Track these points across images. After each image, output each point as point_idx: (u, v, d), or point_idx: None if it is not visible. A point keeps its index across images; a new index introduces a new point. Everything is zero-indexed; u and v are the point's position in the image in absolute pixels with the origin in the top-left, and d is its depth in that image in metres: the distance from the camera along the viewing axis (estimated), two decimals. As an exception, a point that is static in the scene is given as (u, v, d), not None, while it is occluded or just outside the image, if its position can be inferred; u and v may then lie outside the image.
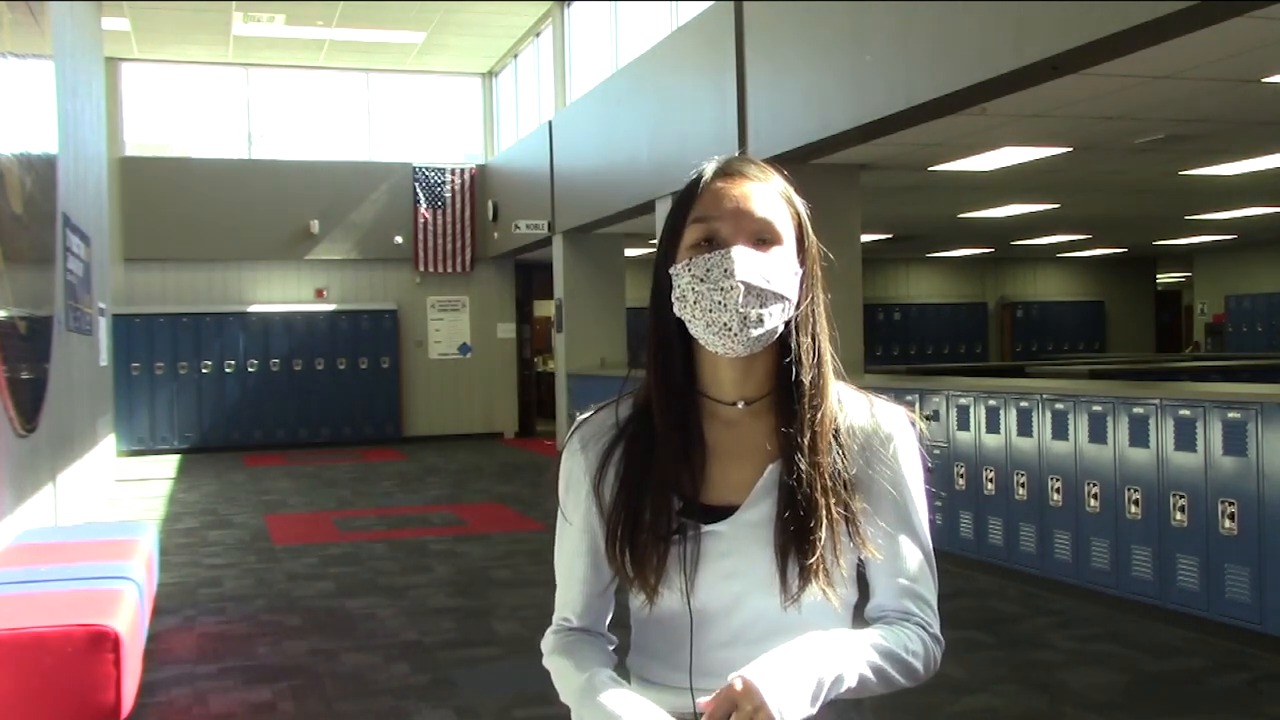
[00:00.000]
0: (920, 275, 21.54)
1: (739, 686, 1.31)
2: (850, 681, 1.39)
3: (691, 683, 1.47)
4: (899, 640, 1.47)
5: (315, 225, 17.18)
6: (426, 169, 17.63)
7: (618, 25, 13.10)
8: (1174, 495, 5.80)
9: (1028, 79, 6.45)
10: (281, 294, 17.38)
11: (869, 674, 1.41)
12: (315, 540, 9.08)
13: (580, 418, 1.59)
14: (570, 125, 14.06)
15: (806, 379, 1.48)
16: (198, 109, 17.69)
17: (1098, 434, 6.26)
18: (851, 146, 8.47)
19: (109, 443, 13.43)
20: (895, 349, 20.72)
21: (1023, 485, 6.82)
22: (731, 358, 1.46)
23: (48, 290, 7.78)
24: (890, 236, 16.68)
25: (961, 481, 7.30)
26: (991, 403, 7.09)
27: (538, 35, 15.97)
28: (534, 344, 19.13)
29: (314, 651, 5.76)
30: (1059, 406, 6.55)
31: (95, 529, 7.42)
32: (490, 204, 17.38)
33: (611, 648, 1.57)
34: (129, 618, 4.34)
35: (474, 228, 17.77)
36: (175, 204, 16.57)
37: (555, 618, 1.59)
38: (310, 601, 6.91)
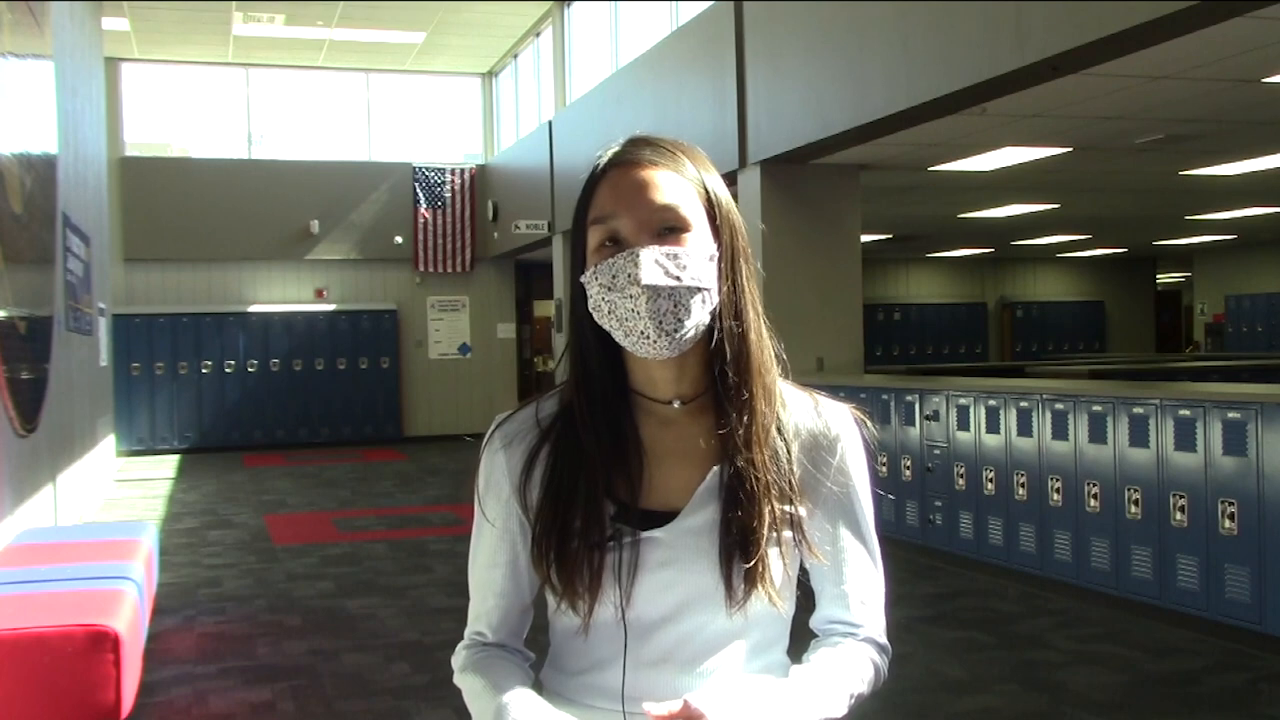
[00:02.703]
0: (920, 275, 21.53)
1: None
2: None
3: (624, 705, 1.36)
4: (855, 672, 1.40)
5: (315, 225, 17.18)
6: (426, 169, 17.63)
7: (618, 25, 13.10)
8: (1174, 495, 5.80)
9: (1028, 79, 6.45)
10: (281, 294, 17.38)
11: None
12: (315, 540, 9.08)
13: (500, 416, 1.47)
14: (570, 125, 14.06)
15: (730, 369, 1.36)
16: (198, 109, 17.69)
17: (1098, 434, 6.26)
18: (851, 146, 8.47)
19: (109, 443, 13.43)
20: (895, 349, 20.72)
21: (1023, 485, 6.81)
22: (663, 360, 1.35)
23: (48, 290, 7.78)
24: (890, 236, 16.68)
25: (961, 481, 7.30)
26: (991, 403, 7.09)
27: (538, 35, 15.97)
28: (534, 344, 19.14)
29: (314, 651, 5.76)
30: (1059, 406, 6.55)
31: (95, 529, 7.42)
32: (490, 204, 17.38)
33: (528, 664, 1.46)
34: (129, 618, 4.34)
35: (474, 228, 17.78)
36: (175, 204, 16.57)
37: (468, 631, 1.48)
38: (310, 601, 6.91)
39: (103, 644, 4.00)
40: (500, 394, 18.23)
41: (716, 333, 1.36)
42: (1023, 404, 6.82)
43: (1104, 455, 6.22)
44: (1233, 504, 5.49)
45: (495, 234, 17.34)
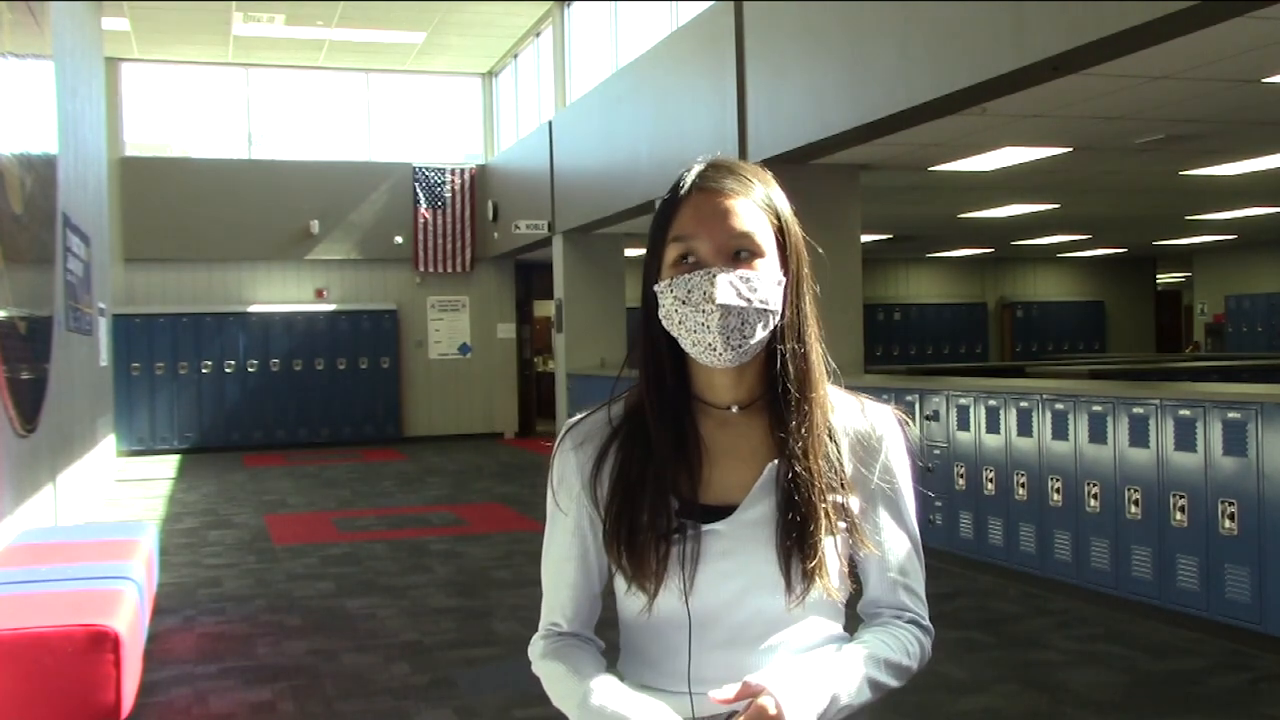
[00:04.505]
0: (920, 275, 21.54)
1: (771, 710, 1.34)
2: (858, 700, 1.46)
3: (690, 686, 1.47)
4: (901, 647, 1.53)
5: (315, 225, 17.17)
6: (426, 169, 17.63)
7: (618, 25, 13.10)
8: (1174, 495, 5.80)
9: (1028, 79, 6.45)
10: (281, 294, 17.38)
11: (871, 692, 1.49)
12: (315, 540, 9.08)
13: (572, 420, 1.59)
14: (570, 125, 14.06)
15: (794, 387, 1.49)
16: (198, 109, 17.69)
17: (1098, 434, 6.26)
18: (851, 146, 8.46)
19: (109, 443, 13.43)
20: (895, 349, 20.73)
21: (1023, 485, 6.81)
22: (723, 368, 1.49)
23: (48, 290, 7.78)
24: (890, 236, 16.68)
25: (961, 481, 7.30)
26: (991, 403, 7.09)
27: (538, 35, 15.97)
28: (534, 344, 19.13)
29: (314, 651, 5.76)
30: (1059, 406, 6.55)
31: (95, 529, 7.42)
32: (490, 204, 17.38)
33: (600, 651, 1.58)
34: (129, 618, 4.34)
35: (474, 228, 17.78)
36: (175, 204, 16.57)
37: (543, 623, 1.60)
38: (310, 601, 6.91)
39: (103, 644, 4.00)
40: (500, 394, 18.24)
41: (780, 352, 1.49)
42: (1023, 404, 6.82)
43: (1104, 455, 6.22)
44: (1233, 504, 5.49)
45: (495, 234, 17.34)
